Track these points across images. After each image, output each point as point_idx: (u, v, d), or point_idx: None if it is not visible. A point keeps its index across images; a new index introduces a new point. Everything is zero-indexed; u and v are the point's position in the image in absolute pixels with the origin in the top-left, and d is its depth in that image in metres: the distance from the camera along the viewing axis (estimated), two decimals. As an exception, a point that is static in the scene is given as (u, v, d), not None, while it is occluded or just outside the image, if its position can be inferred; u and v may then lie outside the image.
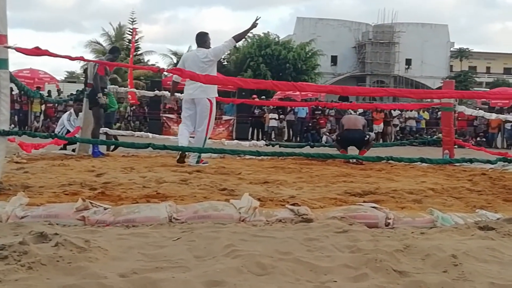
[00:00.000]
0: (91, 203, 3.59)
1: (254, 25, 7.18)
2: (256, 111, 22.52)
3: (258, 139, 19.54)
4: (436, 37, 52.90)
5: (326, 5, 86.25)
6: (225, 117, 22.44)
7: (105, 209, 3.55)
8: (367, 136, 8.53)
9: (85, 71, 10.07)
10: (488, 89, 35.45)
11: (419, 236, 3.19)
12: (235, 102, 17.14)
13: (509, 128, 21.46)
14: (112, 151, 9.24)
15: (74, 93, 8.99)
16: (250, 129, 22.30)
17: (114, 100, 9.34)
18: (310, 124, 23.01)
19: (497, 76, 56.47)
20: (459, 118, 21.53)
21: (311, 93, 22.94)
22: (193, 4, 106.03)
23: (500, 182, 5.99)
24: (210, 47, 7.30)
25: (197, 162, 7.03)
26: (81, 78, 42.24)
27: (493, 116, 10.45)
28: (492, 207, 4.30)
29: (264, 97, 23.73)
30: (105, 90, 8.23)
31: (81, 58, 5.57)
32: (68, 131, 9.37)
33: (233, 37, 7.30)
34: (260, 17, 7.12)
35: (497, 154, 8.54)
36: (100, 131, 8.30)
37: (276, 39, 40.61)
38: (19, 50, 4.71)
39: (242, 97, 18.45)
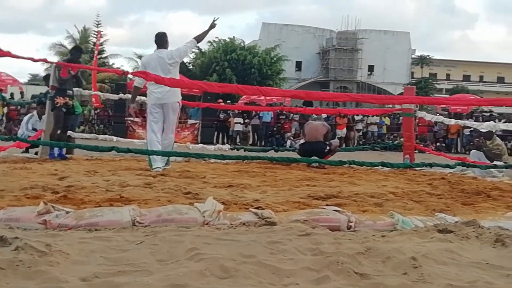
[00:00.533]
0: (53, 206, 3.54)
1: (212, 26, 7.12)
2: (221, 115, 22.50)
3: (223, 143, 19.54)
4: (398, 44, 53.85)
5: (291, 11, 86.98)
6: (190, 121, 22.33)
7: (67, 213, 3.51)
8: (327, 148, 8.63)
9: (46, 75, 9.93)
10: (448, 96, 36.21)
11: (380, 239, 3.25)
12: (200, 106, 17.05)
13: (468, 133, 21.97)
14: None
15: (37, 95, 8.82)
16: (215, 133, 22.26)
17: (78, 104, 9.21)
18: (274, 129, 23.12)
19: (457, 83, 57.75)
20: (420, 124, 21.92)
21: (276, 98, 23.05)
22: (160, 8, 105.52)
23: (459, 186, 6.13)
24: (168, 48, 7.16)
25: (166, 165, 6.86)
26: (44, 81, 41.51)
27: (453, 121, 10.70)
28: (451, 211, 4.40)
29: (229, 101, 23.74)
30: (68, 91, 8.11)
31: (44, 60, 5.51)
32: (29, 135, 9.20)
33: (194, 38, 7.25)
34: (218, 18, 7.08)
35: (456, 159, 8.76)
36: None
37: (242, 44, 40.67)
38: (-21, 51, 4.62)
39: (207, 101, 18.40)
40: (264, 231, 3.31)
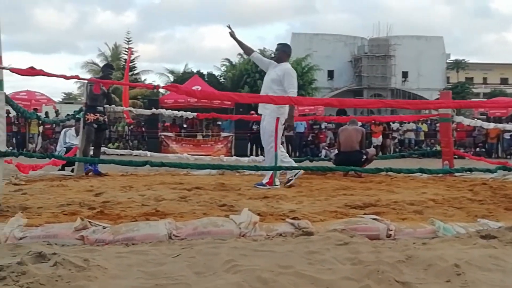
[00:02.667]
0: (90, 222, 3.57)
1: (232, 34, 7.06)
2: (255, 127, 22.53)
3: (257, 155, 19.54)
4: (431, 49, 53.14)
5: (321, 20, 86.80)
6: (223, 134, 22.46)
7: (104, 228, 3.53)
8: (364, 157, 8.48)
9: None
10: (486, 99, 35.57)
11: (420, 246, 3.17)
12: (232, 118, 17.16)
13: (508, 137, 21.49)
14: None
15: (71, 113, 8.97)
16: (249, 145, 22.30)
17: None
18: (308, 139, 23.03)
19: (494, 86, 56.65)
20: (458, 129, 21.55)
21: (308, 108, 23.00)
22: (189, 23, 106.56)
23: (501, 191, 5.98)
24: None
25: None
26: (78, 99, 42.37)
27: (492, 125, 10.46)
28: (494, 216, 4.28)
29: (262, 113, 23.74)
30: (99, 108, 8.25)
31: (76, 77, 5.57)
32: (67, 151, 9.36)
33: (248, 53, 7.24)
34: (229, 25, 6.96)
35: (497, 164, 8.53)
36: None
37: (272, 55, 40.71)
38: (13, 70, 4.70)
39: (239, 114, 18.47)
40: (301, 241, 3.26)
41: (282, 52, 7.12)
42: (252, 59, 7.40)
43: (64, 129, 10.42)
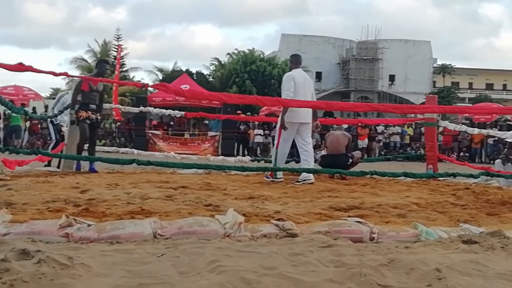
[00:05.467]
0: (75, 219, 3.57)
1: None
2: (242, 127, 22.55)
3: (243, 155, 19.56)
4: (419, 53, 53.55)
5: (311, 21, 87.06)
6: (210, 133, 22.46)
7: (89, 226, 3.53)
8: (350, 160, 8.56)
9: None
10: (471, 105, 35.88)
11: (403, 250, 3.20)
12: (220, 118, 17.17)
13: (492, 143, 21.70)
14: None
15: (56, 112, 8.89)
16: (236, 145, 22.32)
17: (19, 117, 9.28)
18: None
19: (480, 91, 57.16)
20: (445, 133, 21.72)
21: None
22: (180, 21, 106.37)
23: (483, 196, 6.05)
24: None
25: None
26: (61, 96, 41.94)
27: (476, 131, 10.56)
28: (476, 221, 4.33)
29: (249, 113, 23.78)
30: (91, 106, 8.20)
31: (65, 74, 5.57)
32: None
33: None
34: None
35: (480, 169, 8.62)
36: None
37: (261, 55, 40.80)
38: (2, 66, 4.69)
39: (227, 113, 18.47)
40: (286, 243, 3.28)
41: (290, 63, 8.13)
42: None
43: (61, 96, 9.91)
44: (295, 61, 7.86)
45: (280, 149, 7.48)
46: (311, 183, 7.02)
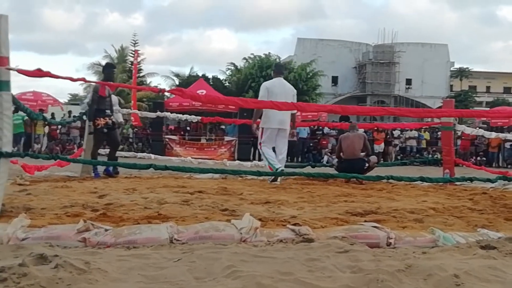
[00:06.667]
0: (92, 224, 3.60)
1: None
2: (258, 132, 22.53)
3: (259, 160, 19.54)
4: (436, 56, 53.18)
5: (327, 26, 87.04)
6: (227, 138, 22.49)
7: (106, 231, 3.55)
8: (367, 165, 8.54)
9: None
10: (488, 109, 35.54)
11: (420, 255, 3.18)
12: (236, 122, 17.17)
13: (509, 147, 21.47)
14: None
15: (78, 115, 8.97)
16: (252, 149, 22.30)
17: (22, 125, 9.30)
18: (311, 145, 23.04)
19: (497, 95, 56.66)
20: (463, 138, 21.53)
21: (311, 114, 23.01)
22: (197, 25, 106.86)
23: (501, 201, 5.99)
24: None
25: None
26: (84, 100, 42.36)
27: (493, 135, 10.45)
28: (494, 226, 4.29)
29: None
30: (107, 111, 8.24)
31: (83, 79, 5.60)
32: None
33: None
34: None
35: (498, 173, 8.54)
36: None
37: (277, 59, 40.82)
38: (21, 72, 4.73)
39: (243, 118, 18.50)
40: (302, 248, 3.28)
41: (272, 72, 8.77)
42: None
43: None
44: (276, 71, 8.42)
45: (264, 150, 8.06)
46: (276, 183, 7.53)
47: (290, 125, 8.26)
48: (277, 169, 7.57)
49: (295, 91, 8.30)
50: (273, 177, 7.63)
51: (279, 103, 6.58)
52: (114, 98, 9.11)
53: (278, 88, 8.01)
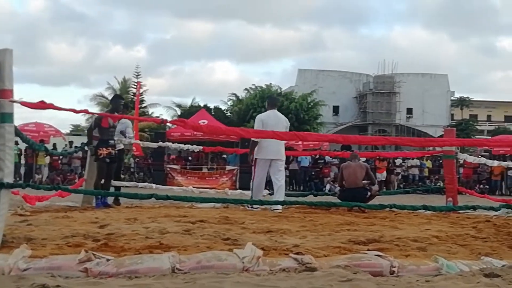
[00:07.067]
0: (94, 254, 3.58)
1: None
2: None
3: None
4: (436, 86, 53.44)
5: (328, 57, 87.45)
6: (228, 167, 22.48)
7: (107, 260, 3.54)
8: (368, 193, 8.56)
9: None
10: (490, 137, 35.60)
11: (424, 284, 3.17)
12: (238, 152, 17.20)
13: (512, 175, 21.44)
14: None
15: (80, 146, 8.99)
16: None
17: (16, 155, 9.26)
18: (313, 173, 23.03)
19: (498, 124, 56.73)
20: (465, 166, 21.52)
21: (313, 143, 23.05)
22: (199, 57, 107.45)
23: (505, 229, 5.95)
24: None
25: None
26: (86, 131, 42.51)
27: (496, 163, 10.45)
28: (497, 254, 4.27)
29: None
30: (110, 142, 8.27)
31: (85, 111, 5.66)
32: None
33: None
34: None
35: (501, 201, 8.52)
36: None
37: (279, 90, 41.05)
38: (24, 104, 4.78)
39: (245, 147, 18.52)
40: (305, 277, 3.26)
41: (266, 104, 9.00)
42: None
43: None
44: (270, 103, 8.73)
45: (255, 182, 8.38)
46: (279, 212, 7.53)
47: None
48: (253, 209, 7.82)
49: (288, 122, 8.56)
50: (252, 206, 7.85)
51: (280, 133, 6.63)
52: (127, 122, 9.23)
53: (273, 120, 8.26)
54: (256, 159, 8.33)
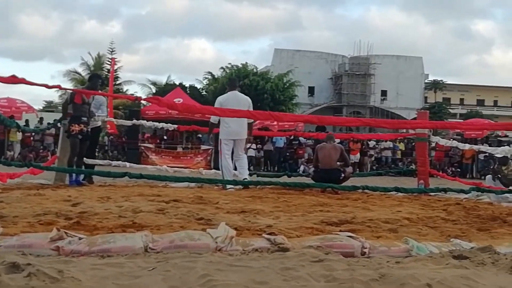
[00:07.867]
0: (65, 233, 3.55)
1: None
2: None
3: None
4: (410, 69, 53.94)
5: (304, 37, 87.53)
6: (203, 147, 22.44)
7: (79, 239, 3.51)
8: (342, 175, 8.62)
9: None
10: (462, 120, 36.10)
11: (394, 265, 3.21)
12: (214, 132, 17.17)
13: (483, 158, 21.81)
14: None
15: (53, 122, 8.87)
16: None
17: None
18: (287, 154, 23.12)
19: (471, 107, 57.57)
20: (437, 149, 21.82)
21: (288, 124, 23.11)
22: (175, 34, 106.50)
23: (474, 212, 6.07)
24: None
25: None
26: (59, 107, 41.92)
27: (467, 146, 10.63)
28: (466, 237, 4.35)
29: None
30: (83, 118, 8.17)
31: (58, 87, 5.58)
32: None
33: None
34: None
35: (471, 184, 8.68)
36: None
37: (255, 69, 40.93)
38: (-5, 78, 4.69)
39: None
40: (277, 257, 3.28)
41: (226, 85, 9.56)
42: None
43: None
44: (230, 84, 9.15)
45: (223, 162, 8.57)
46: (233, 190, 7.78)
47: (248, 133, 8.82)
48: (226, 189, 7.88)
49: (250, 101, 8.72)
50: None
51: (255, 113, 6.64)
52: (101, 99, 9.15)
53: (232, 101, 8.46)
54: (220, 140, 8.67)
